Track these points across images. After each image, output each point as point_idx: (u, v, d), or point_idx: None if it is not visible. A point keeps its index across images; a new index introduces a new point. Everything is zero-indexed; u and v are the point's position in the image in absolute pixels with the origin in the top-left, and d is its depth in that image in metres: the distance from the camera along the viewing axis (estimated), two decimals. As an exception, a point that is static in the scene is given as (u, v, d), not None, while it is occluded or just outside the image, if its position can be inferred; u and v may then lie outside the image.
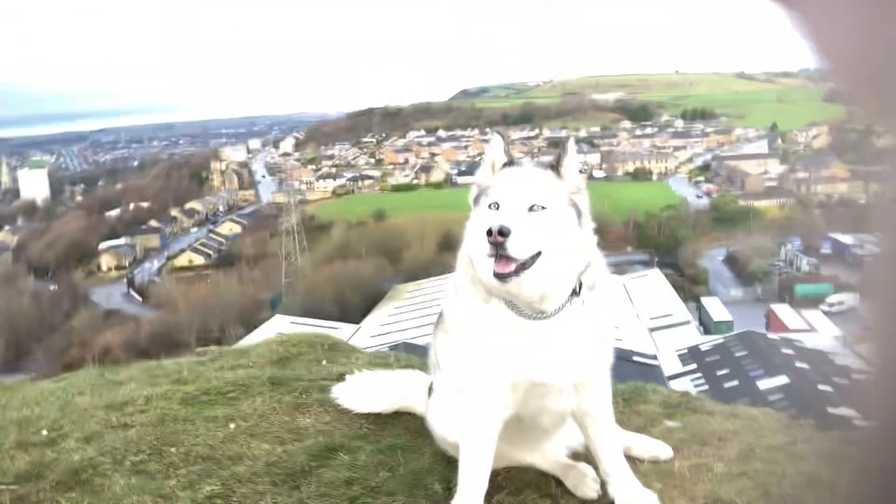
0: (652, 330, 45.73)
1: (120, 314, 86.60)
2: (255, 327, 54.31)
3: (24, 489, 3.59)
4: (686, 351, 39.14)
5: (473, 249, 3.01)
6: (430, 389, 3.97)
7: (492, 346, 3.14)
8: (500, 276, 2.85)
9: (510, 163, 3.19)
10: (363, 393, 4.44)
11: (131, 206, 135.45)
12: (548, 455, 3.72)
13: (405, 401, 4.37)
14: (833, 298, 66.35)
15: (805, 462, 3.76)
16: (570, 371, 3.18)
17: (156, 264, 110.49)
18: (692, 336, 45.47)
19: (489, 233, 2.80)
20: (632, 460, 3.76)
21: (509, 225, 2.81)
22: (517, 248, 2.81)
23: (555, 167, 3.15)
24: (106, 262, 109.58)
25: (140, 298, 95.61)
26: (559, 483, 3.61)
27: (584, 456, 3.74)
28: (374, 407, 4.38)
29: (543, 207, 2.95)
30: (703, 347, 39.63)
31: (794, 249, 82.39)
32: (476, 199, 3.14)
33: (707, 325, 57.26)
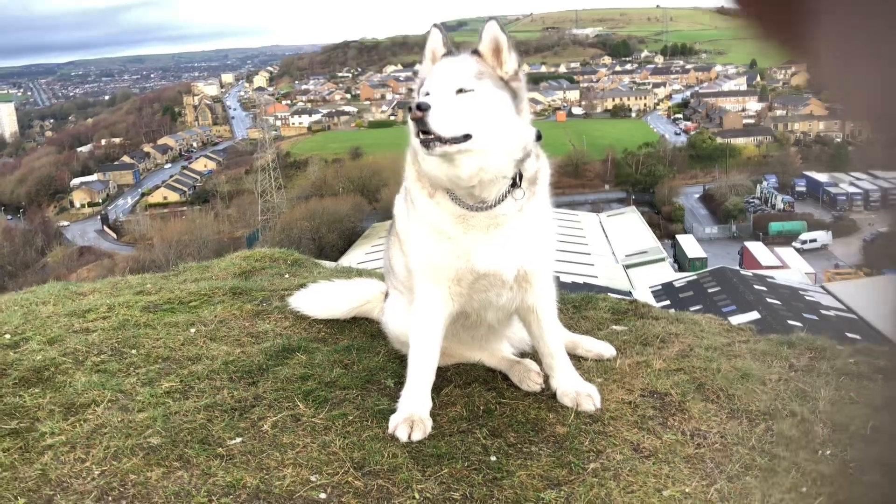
0: (627, 267, 46.14)
1: (94, 251, 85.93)
2: (232, 263, 54.17)
3: (-14, 386, 3.69)
4: (660, 287, 39.58)
5: (414, 141, 3.07)
6: (387, 294, 4.10)
7: (437, 239, 3.25)
8: (424, 143, 2.93)
9: (448, 54, 3.25)
10: (321, 299, 4.55)
11: (103, 142, 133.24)
12: (495, 352, 3.88)
13: (362, 306, 4.50)
14: (806, 236, 67.20)
15: (740, 360, 3.96)
16: (512, 261, 3.29)
17: (129, 201, 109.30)
18: (667, 273, 45.94)
19: (409, 109, 2.89)
20: (577, 359, 3.94)
21: (429, 101, 2.90)
22: (438, 122, 2.89)
23: (476, 52, 3.20)
24: (79, 198, 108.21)
25: (114, 235, 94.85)
26: (505, 378, 3.78)
27: (531, 355, 3.91)
28: (331, 312, 4.51)
29: (472, 90, 3.02)
30: (677, 284, 40.05)
31: (769, 187, 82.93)
32: (419, 92, 3.21)
33: (682, 262, 57.87)
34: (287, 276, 5.58)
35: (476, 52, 3.20)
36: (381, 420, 3.35)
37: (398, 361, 3.88)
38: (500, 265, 3.26)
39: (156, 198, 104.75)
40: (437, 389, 3.53)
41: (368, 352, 4.08)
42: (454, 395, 3.60)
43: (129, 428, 3.28)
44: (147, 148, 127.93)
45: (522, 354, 3.96)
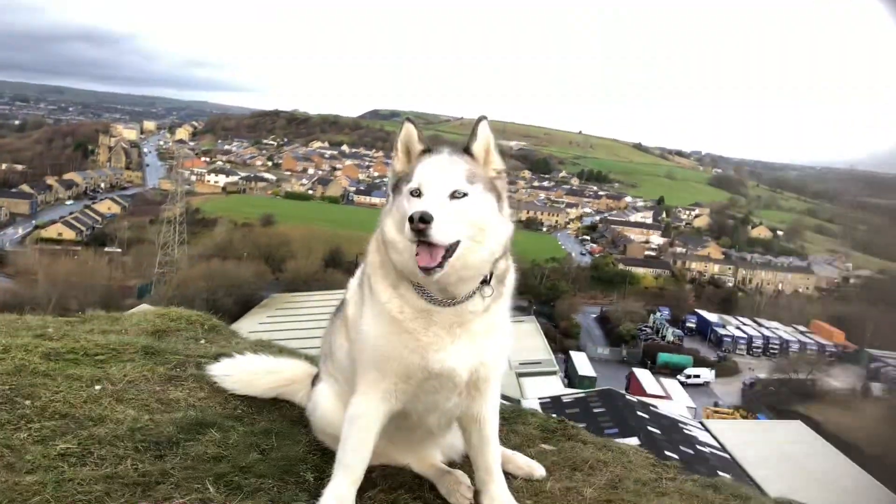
0: (520, 375, 46.45)
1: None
2: (118, 313, 51.69)
3: None
4: (549, 400, 39.88)
5: (392, 234, 2.95)
6: (315, 379, 3.87)
7: (393, 330, 3.07)
8: (426, 270, 2.78)
9: (428, 150, 3.15)
10: (242, 374, 4.27)
11: (3, 167, 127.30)
12: (425, 458, 3.68)
13: (286, 387, 4.23)
14: (690, 371, 69.67)
15: (668, 498, 3.88)
16: (468, 364, 3.12)
17: (21, 231, 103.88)
18: (556, 387, 46.45)
19: (411, 220, 2.74)
20: (506, 475, 3.77)
21: (431, 212, 2.77)
22: (440, 234, 2.76)
23: (467, 150, 3.13)
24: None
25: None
26: (432, 487, 3.57)
27: (460, 465, 3.73)
28: (252, 389, 4.23)
29: (465, 194, 2.93)
30: (565, 399, 40.49)
31: (661, 318, 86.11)
32: (395, 187, 3.09)
33: (572, 378, 58.77)
34: (203, 341, 5.26)
35: (466, 150, 3.14)
36: (298, 518, 3.08)
37: (320, 454, 3.63)
38: (456, 366, 3.10)
39: (50, 232, 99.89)
40: (360, 491, 3.29)
41: (288, 439, 3.81)
42: (378, 500, 3.37)
43: (13, 491, 2.91)
44: (51, 181, 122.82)
45: (451, 464, 3.78)
